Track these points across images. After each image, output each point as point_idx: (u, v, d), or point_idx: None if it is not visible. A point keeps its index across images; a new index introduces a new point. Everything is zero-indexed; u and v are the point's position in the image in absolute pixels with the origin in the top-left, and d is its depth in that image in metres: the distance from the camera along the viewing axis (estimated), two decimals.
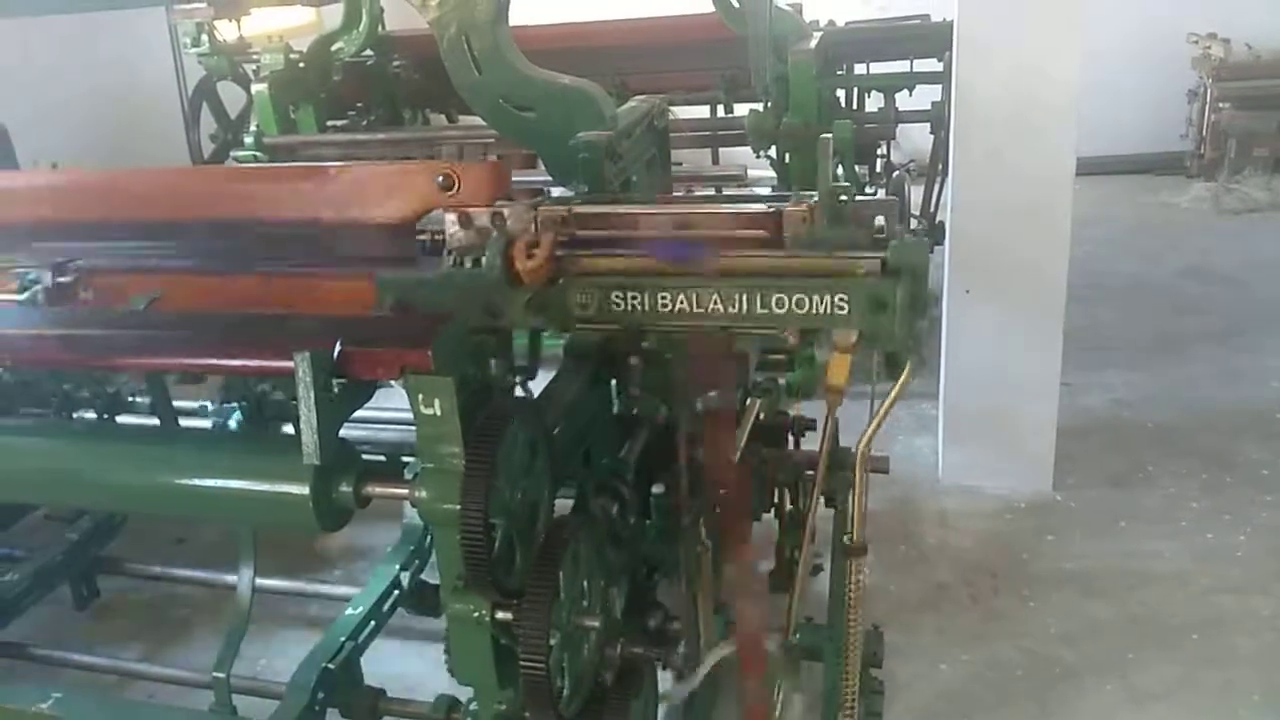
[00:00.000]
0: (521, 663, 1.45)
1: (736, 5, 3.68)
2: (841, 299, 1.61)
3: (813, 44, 3.54)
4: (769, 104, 3.70)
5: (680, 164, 3.68)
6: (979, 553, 3.03)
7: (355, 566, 3.17)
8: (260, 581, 2.83)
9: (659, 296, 1.67)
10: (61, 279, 1.97)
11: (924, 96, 3.82)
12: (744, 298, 1.64)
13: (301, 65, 4.04)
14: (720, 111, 4.23)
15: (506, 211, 1.79)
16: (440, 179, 1.81)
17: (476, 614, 1.56)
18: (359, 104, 4.39)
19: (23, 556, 2.87)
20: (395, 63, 4.46)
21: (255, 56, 4.03)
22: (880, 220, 1.76)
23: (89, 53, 3.96)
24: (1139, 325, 4.45)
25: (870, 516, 3.18)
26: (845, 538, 2.01)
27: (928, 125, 3.82)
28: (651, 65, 4.16)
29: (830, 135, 1.71)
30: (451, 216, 1.79)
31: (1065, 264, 2.94)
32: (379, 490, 1.61)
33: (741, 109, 3.99)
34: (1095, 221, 5.55)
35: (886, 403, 1.88)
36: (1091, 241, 5.22)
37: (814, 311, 1.63)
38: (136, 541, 3.12)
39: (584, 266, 1.72)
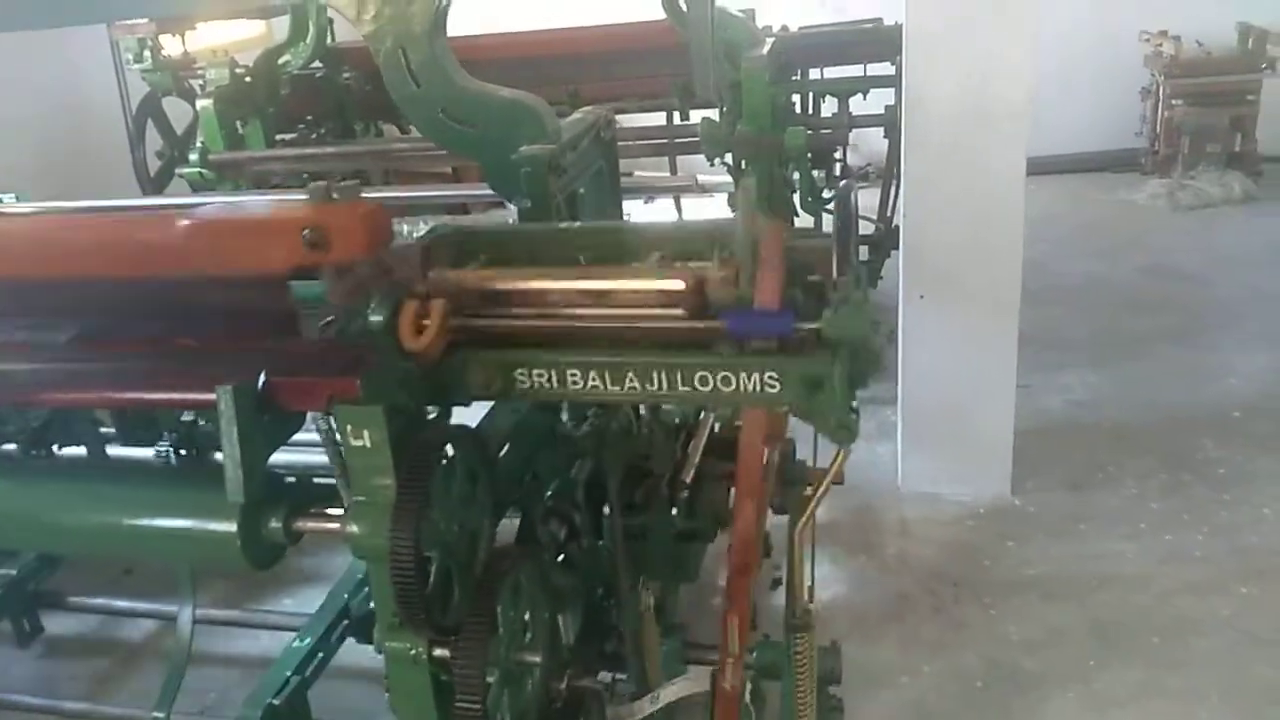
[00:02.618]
0: (457, 703, 1.40)
1: (686, 9, 3.64)
2: (772, 377, 1.45)
3: (764, 50, 3.52)
4: (723, 110, 3.68)
5: (630, 174, 3.65)
6: (940, 561, 3.01)
7: (309, 593, 3.10)
8: (207, 612, 2.78)
9: (568, 374, 1.50)
10: None
11: (880, 100, 3.81)
12: (663, 375, 1.48)
13: (248, 79, 3.96)
14: (676, 118, 4.21)
15: (390, 261, 1.55)
16: (307, 234, 1.52)
17: (413, 652, 1.50)
18: (309, 117, 4.31)
19: None
20: (345, 74, 4.39)
21: (200, 71, 3.95)
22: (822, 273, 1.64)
23: (27, 71, 3.85)
24: (1097, 324, 4.47)
25: (830, 527, 3.20)
26: (788, 614, 1.92)
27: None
28: (604, 73, 4.12)
29: (749, 183, 1.57)
30: (327, 271, 1.54)
31: (1019, 265, 2.93)
32: (311, 526, 1.55)
33: (699, 115, 3.98)
34: (1052, 220, 5.58)
35: (822, 486, 1.81)
36: (1048, 241, 5.25)
37: (741, 390, 1.47)
38: (80, 573, 3.03)
39: (481, 332, 1.53)
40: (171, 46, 3.99)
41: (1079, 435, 3.57)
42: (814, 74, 4.30)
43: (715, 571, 2.70)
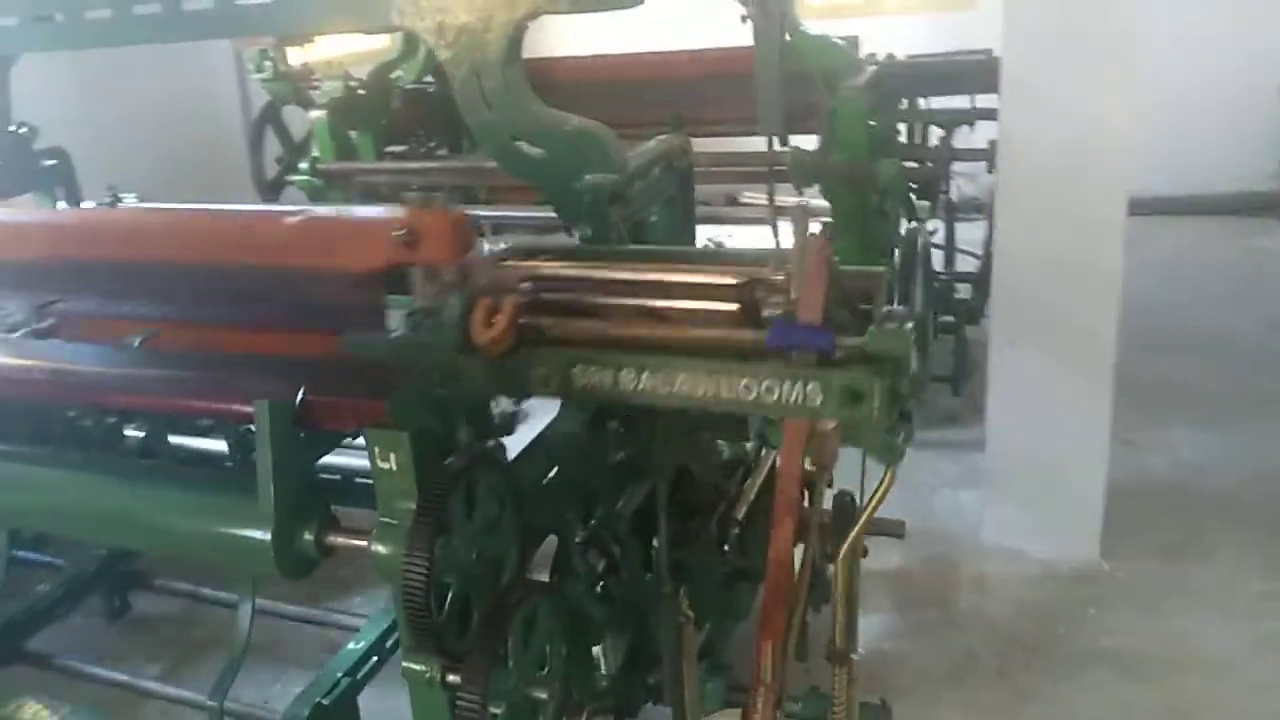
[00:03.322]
0: None
1: (788, 38, 3.60)
2: (815, 388, 1.50)
3: (863, 79, 3.45)
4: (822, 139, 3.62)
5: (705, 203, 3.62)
6: (1014, 623, 2.86)
7: (379, 593, 3.17)
8: (277, 606, 2.87)
9: (622, 374, 1.58)
10: (42, 324, 2.02)
11: (987, 133, 3.68)
12: (712, 380, 1.55)
13: (361, 92, 4.11)
14: (777, 144, 4.16)
15: (472, 267, 1.71)
16: (401, 232, 1.69)
17: (428, 675, 1.52)
18: (420, 131, 4.45)
19: (59, 566, 2.97)
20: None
21: (317, 83, 4.12)
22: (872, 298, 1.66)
23: (157, 79, 4.11)
24: (1216, 380, 4.18)
25: (902, 575, 3.09)
26: (828, 643, 1.87)
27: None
28: (705, 98, 4.11)
29: (805, 202, 1.60)
30: (417, 271, 1.72)
31: (1114, 317, 2.77)
32: (340, 541, 1.59)
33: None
34: (1175, 264, 5.28)
35: (870, 506, 1.78)
36: (1170, 286, 4.97)
37: (784, 400, 1.53)
38: (170, 558, 3.18)
39: (545, 335, 1.65)
40: (293, 58, 4.18)
41: (1180, 500, 3.34)
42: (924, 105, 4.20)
43: None
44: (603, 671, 2.19)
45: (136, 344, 1.78)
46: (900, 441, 1.58)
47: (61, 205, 3.16)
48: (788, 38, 3.60)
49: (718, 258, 1.82)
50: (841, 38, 3.84)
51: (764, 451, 2.45)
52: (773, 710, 1.85)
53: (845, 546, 1.77)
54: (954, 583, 3.06)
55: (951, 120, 3.72)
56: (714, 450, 2.44)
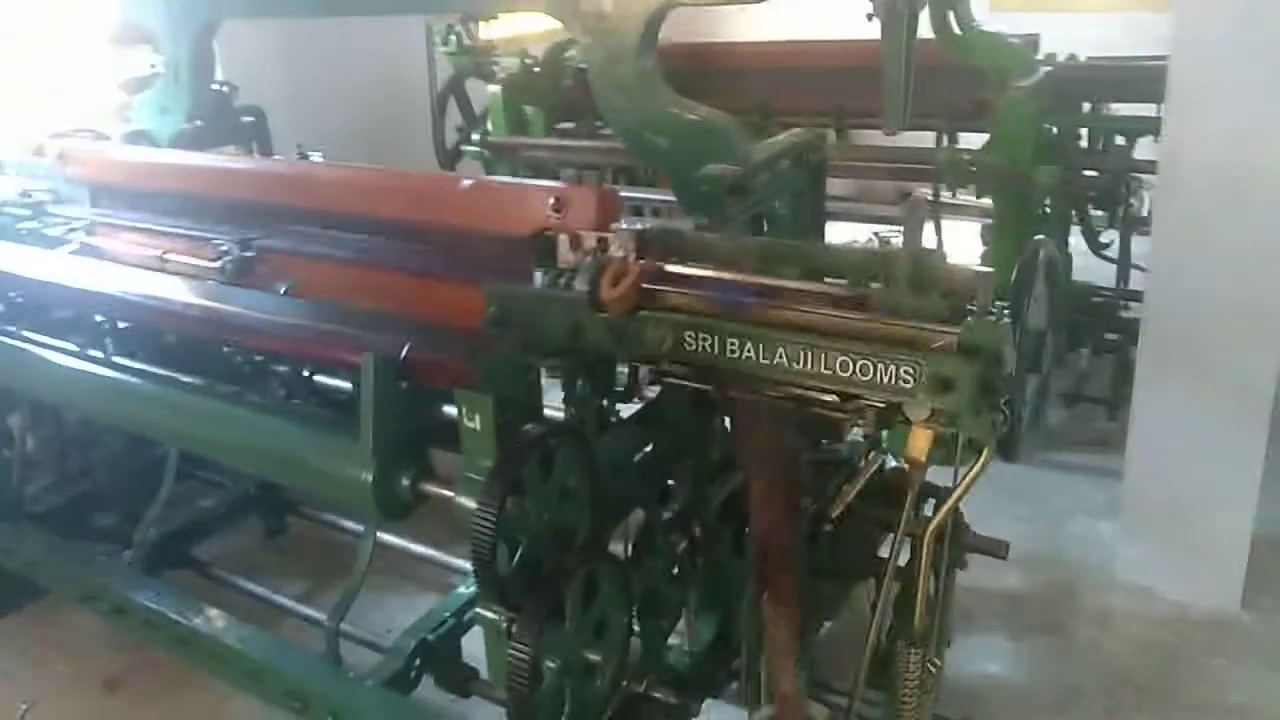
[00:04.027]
0: (508, 677, 1.51)
1: (959, 32, 3.49)
2: (908, 372, 1.54)
3: (1033, 80, 3.30)
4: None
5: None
6: (1132, 662, 2.71)
7: None
8: (408, 546, 3.09)
9: (728, 343, 1.66)
10: (246, 254, 2.27)
11: None
12: (810, 355, 1.60)
13: (536, 70, 4.29)
14: (944, 141, 4.04)
15: (611, 238, 1.85)
16: (552, 201, 1.89)
17: (495, 622, 1.64)
18: (588, 110, 4.60)
19: (224, 485, 3.31)
20: None
21: (497, 59, 4.34)
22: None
23: (351, 47, 4.44)
24: None
25: (1019, 598, 2.99)
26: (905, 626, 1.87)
27: None
28: (871, 89, 4.03)
29: (918, 198, 1.60)
30: (563, 237, 1.88)
31: (1275, 358, 2.55)
32: (432, 490, 1.73)
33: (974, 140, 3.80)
34: None
35: (958, 490, 1.75)
36: None
37: (879, 380, 1.57)
38: None
39: (664, 302, 1.75)
40: (479, 33, 4.41)
41: None
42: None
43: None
44: (685, 649, 2.27)
45: (282, 291, 1.98)
46: (995, 431, 1.56)
47: (257, 158, 3.50)
48: (958, 32, 3.51)
49: (827, 255, 1.83)
50: (1019, 36, 3.68)
51: (871, 455, 2.43)
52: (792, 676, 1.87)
53: (931, 526, 1.75)
54: (1074, 613, 2.93)
55: (1131, 128, 3.49)
56: (819, 449, 2.44)
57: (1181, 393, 2.71)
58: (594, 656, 1.63)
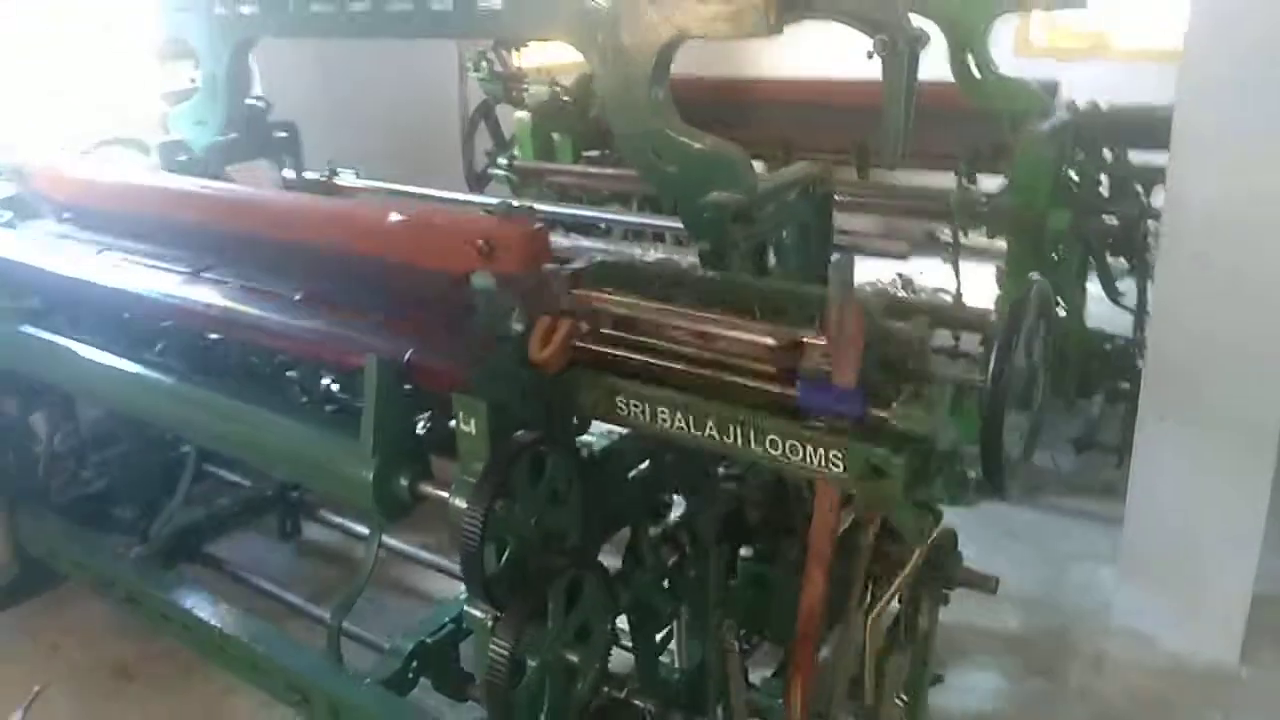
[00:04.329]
0: (486, 673, 1.57)
1: (978, 76, 3.56)
2: (836, 456, 1.50)
3: (1049, 124, 3.35)
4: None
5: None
6: (1124, 710, 2.71)
7: None
8: (416, 552, 3.16)
9: (659, 410, 1.65)
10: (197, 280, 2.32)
11: None
12: (739, 431, 1.58)
13: (565, 99, 4.40)
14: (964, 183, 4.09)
15: (539, 287, 1.79)
16: (480, 244, 1.83)
17: (482, 619, 1.70)
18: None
19: (241, 485, 3.41)
20: None
21: (527, 86, 4.46)
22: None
23: (386, 66, 4.59)
24: None
25: (1016, 641, 3.01)
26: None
27: None
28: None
29: (844, 259, 1.56)
30: (489, 281, 1.82)
31: None
32: (429, 491, 1.79)
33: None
34: None
35: (900, 576, 1.78)
36: None
37: (808, 462, 1.53)
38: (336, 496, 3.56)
39: (596, 363, 1.73)
40: (510, 61, 4.54)
41: None
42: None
43: None
44: (676, 666, 2.31)
45: (296, 298, 2.07)
46: (930, 519, 1.56)
47: (288, 173, 3.63)
48: (977, 76, 3.57)
49: (785, 297, 1.85)
50: (1040, 82, 3.73)
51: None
52: None
53: (872, 613, 1.77)
54: (1068, 656, 2.93)
55: (1149, 176, 3.52)
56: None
57: (1183, 438, 2.72)
58: (573, 658, 1.68)
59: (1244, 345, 2.55)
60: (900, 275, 6.50)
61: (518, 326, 1.71)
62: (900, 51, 1.97)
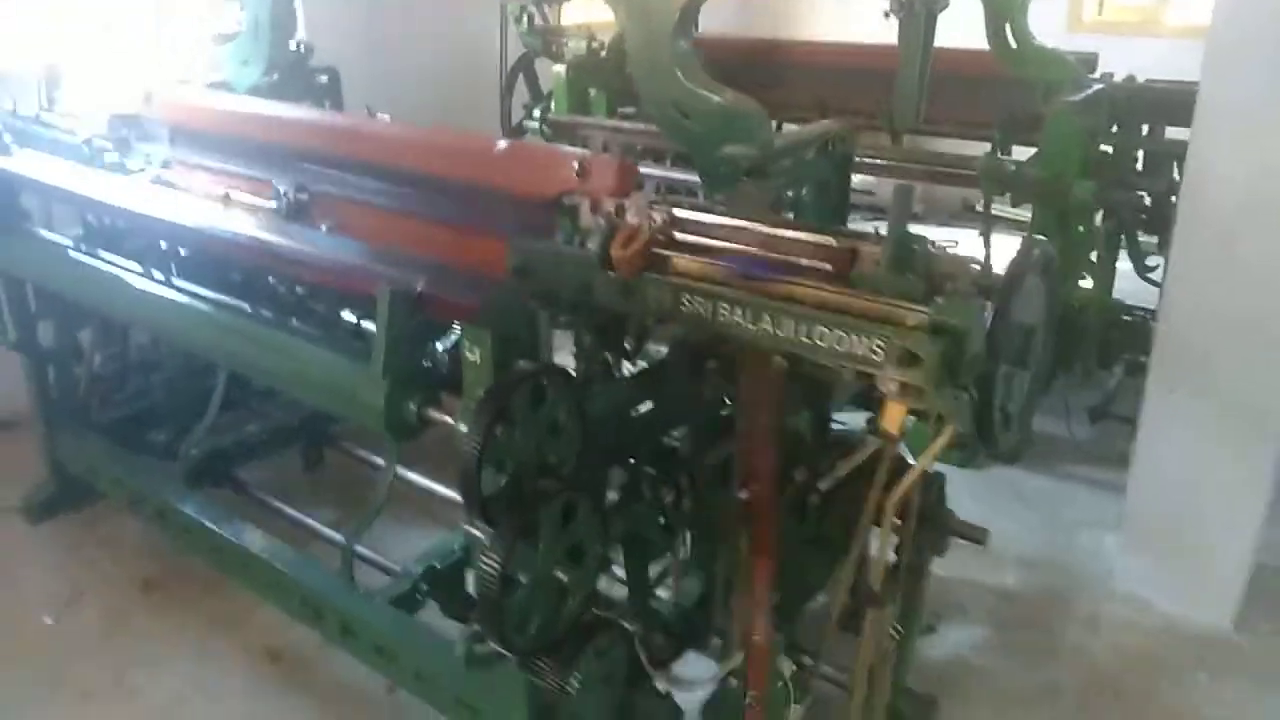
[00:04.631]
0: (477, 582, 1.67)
1: (1015, 45, 3.54)
2: (878, 345, 1.64)
3: (1080, 96, 3.34)
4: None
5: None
6: (1114, 668, 2.77)
7: None
8: (432, 485, 3.27)
9: (719, 306, 1.78)
10: (300, 195, 2.47)
11: None
12: (792, 323, 1.71)
13: (602, 54, 4.44)
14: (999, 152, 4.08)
15: (627, 205, 1.98)
16: (576, 167, 2.01)
17: (479, 538, 1.79)
18: None
19: (269, 414, 3.54)
20: None
21: (567, 41, 4.50)
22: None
23: (431, 16, 4.65)
24: None
25: (1013, 596, 3.06)
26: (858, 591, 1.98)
27: None
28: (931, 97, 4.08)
29: (905, 186, 1.69)
30: (584, 201, 2.02)
31: None
32: (435, 415, 1.88)
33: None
34: None
35: (920, 462, 1.85)
36: None
37: (852, 351, 1.67)
38: (362, 428, 3.68)
39: (670, 267, 1.88)
40: (550, 15, 4.58)
41: None
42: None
43: None
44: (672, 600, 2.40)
45: (324, 229, 2.16)
46: (961, 408, 1.65)
47: None
48: (1014, 45, 3.55)
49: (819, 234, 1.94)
50: (1077, 54, 3.71)
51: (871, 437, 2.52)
52: (768, 631, 1.98)
53: (894, 496, 1.86)
54: (1065, 615, 2.98)
55: (1181, 152, 3.49)
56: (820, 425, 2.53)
57: (1190, 410, 2.74)
58: (563, 577, 1.77)
59: (1257, 323, 2.56)
60: (934, 244, 6.42)
61: (601, 232, 1.86)
62: (917, 13, 1.99)
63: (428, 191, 2.25)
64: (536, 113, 4.32)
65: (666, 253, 1.90)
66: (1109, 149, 3.76)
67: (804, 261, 1.82)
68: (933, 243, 3.73)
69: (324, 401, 2.04)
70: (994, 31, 3.53)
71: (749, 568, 2.00)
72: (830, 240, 1.81)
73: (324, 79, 3.74)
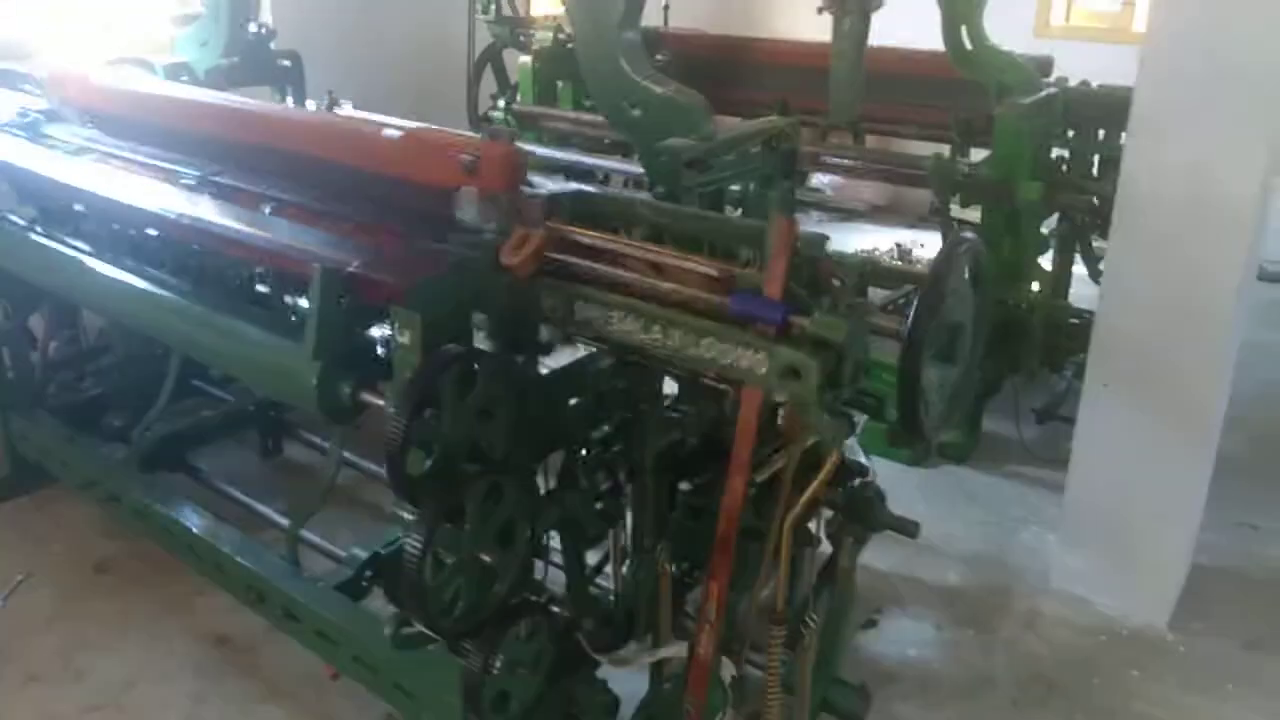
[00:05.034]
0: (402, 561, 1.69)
1: (970, 48, 3.58)
2: (761, 359, 1.64)
3: (1031, 99, 3.39)
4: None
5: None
6: (1048, 662, 2.82)
7: None
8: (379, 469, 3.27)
9: (611, 314, 1.79)
10: (207, 185, 2.45)
11: None
12: (678, 334, 1.73)
13: (569, 45, 4.45)
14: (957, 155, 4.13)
15: (520, 204, 1.95)
16: (465, 159, 1.98)
17: (408, 519, 1.81)
18: None
19: (226, 400, 3.55)
20: (659, 56, 4.75)
21: (534, 31, 4.52)
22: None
23: (399, 12, 4.65)
24: None
25: (953, 593, 3.12)
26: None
27: None
28: (885, 95, 4.12)
29: (784, 186, 1.71)
30: (471, 194, 1.98)
31: (1223, 383, 2.63)
32: (368, 398, 1.90)
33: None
34: None
35: (814, 485, 1.88)
36: None
37: (736, 365, 1.68)
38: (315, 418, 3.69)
39: (564, 270, 1.87)
40: (521, 6, 4.60)
41: None
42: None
43: None
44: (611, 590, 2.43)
45: (267, 211, 2.18)
46: (844, 425, 1.67)
47: (289, 102, 3.72)
48: (969, 47, 3.60)
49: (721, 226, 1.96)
50: (1032, 58, 3.76)
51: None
52: (713, 644, 2.01)
53: (792, 513, 1.88)
54: (1003, 612, 3.03)
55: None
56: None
57: (1128, 406, 2.79)
58: (488, 559, 1.80)
59: (1189, 320, 2.61)
60: (899, 245, 6.53)
61: (491, 234, 1.83)
62: (850, 10, 2.02)
63: (332, 182, 2.24)
64: (501, 103, 4.33)
65: (563, 257, 1.89)
66: (1065, 153, 3.83)
67: (694, 266, 1.80)
68: (899, 245, 3.72)
69: (264, 384, 2.07)
70: (950, 33, 3.57)
71: (707, 588, 2.00)
72: (710, 270, 1.77)
73: (286, 63, 3.73)
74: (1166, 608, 2.93)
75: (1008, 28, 4.44)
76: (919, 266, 4.37)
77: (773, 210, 1.70)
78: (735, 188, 2.59)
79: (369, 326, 1.94)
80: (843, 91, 2.22)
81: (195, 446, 3.37)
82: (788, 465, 1.95)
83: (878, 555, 3.07)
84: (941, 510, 3.52)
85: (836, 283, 1.71)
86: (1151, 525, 2.88)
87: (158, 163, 2.53)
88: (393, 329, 1.78)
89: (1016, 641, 2.91)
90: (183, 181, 2.32)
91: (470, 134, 2.14)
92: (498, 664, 1.81)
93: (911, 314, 1.85)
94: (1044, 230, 3.72)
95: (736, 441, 1.82)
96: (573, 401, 2.16)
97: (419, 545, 1.67)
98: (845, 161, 4.15)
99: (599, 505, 2.20)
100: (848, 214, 6.71)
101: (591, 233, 1.94)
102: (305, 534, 2.74)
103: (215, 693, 2.64)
